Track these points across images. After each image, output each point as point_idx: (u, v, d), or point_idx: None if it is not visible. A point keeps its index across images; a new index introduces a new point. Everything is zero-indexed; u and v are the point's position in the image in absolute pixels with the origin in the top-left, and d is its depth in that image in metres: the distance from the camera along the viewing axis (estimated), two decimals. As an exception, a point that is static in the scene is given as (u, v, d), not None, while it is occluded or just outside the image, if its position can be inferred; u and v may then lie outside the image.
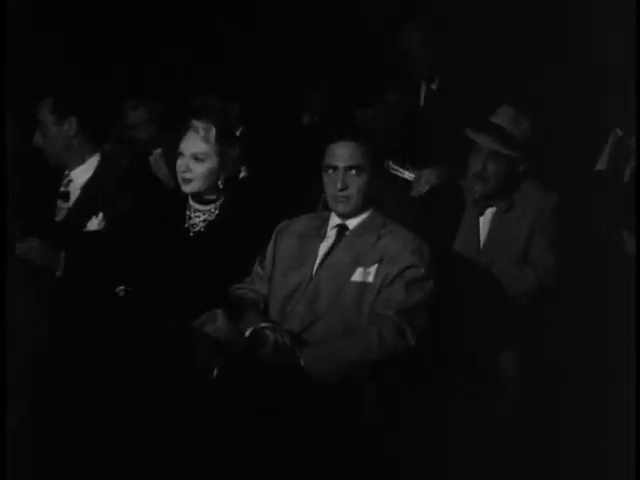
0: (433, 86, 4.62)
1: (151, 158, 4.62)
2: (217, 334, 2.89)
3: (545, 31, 4.58)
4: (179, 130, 3.37)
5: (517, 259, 3.66)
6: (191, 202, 3.44)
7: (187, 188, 3.36)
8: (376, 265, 3.07)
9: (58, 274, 3.54)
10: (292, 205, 3.65)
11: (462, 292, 3.50)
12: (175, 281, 3.26)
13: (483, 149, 3.62)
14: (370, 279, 3.06)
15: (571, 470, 3.25)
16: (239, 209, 3.38)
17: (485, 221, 3.71)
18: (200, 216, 3.42)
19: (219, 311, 2.98)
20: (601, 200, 3.92)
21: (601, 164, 4.23)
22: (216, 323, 2.94)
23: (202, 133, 3.31)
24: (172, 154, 3.50)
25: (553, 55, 4.54)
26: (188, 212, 3.44)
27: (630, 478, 2.85)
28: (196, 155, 3.32)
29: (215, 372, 2.66)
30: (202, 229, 3.39)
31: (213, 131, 3.32)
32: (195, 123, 3.34)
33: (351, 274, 3.08)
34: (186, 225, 3.41)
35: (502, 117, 3.68)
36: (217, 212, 3.41)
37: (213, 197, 3.41)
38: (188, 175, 3.34)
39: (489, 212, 3.71)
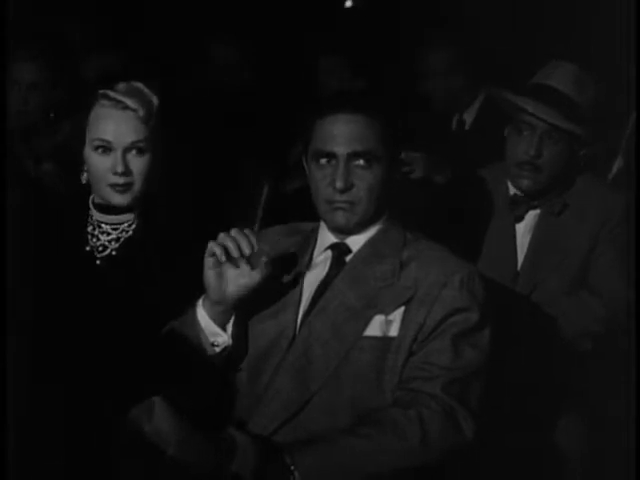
0: None
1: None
2: (162, 443, 1.71)
3: (544, 32, 4.20)
4: (79, 104, 2.28)
5: (572, 283, 2.65)
6: (94, 212, 2.32)
7: (122, 199, 2.27)
8: (402, 309, 2.01)
9: None
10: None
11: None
12: (76, 341, 2.13)
13: (536, 125, 2.52)
14: (394, 332, 2.01)
15: None
16: (171, 216, 2.31)
17: (525, 229, 2.69)
18: (110, 233, 2.30)
19: (156, 400, 1.76)
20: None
21: (619, 162, 3.54)
22: (152, 422, 1.73)
23: (141, 112, 2.22)
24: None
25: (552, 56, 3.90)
26: (90, 228, 2.31)
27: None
28: (138, 145, 2.25)
29: None
30: (114, 252, 2.29)
31: (155, 102, 2.26)
32: (117, 96, 2.22)
33: (363, 325, 2.01)
34: (88, 248, 2.30)
35: (559, 77, 2.59)
36: (135, 225, 2.30)
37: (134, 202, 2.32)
38: (127, 179, 2.25)
39: (531, 216, 2.67)
